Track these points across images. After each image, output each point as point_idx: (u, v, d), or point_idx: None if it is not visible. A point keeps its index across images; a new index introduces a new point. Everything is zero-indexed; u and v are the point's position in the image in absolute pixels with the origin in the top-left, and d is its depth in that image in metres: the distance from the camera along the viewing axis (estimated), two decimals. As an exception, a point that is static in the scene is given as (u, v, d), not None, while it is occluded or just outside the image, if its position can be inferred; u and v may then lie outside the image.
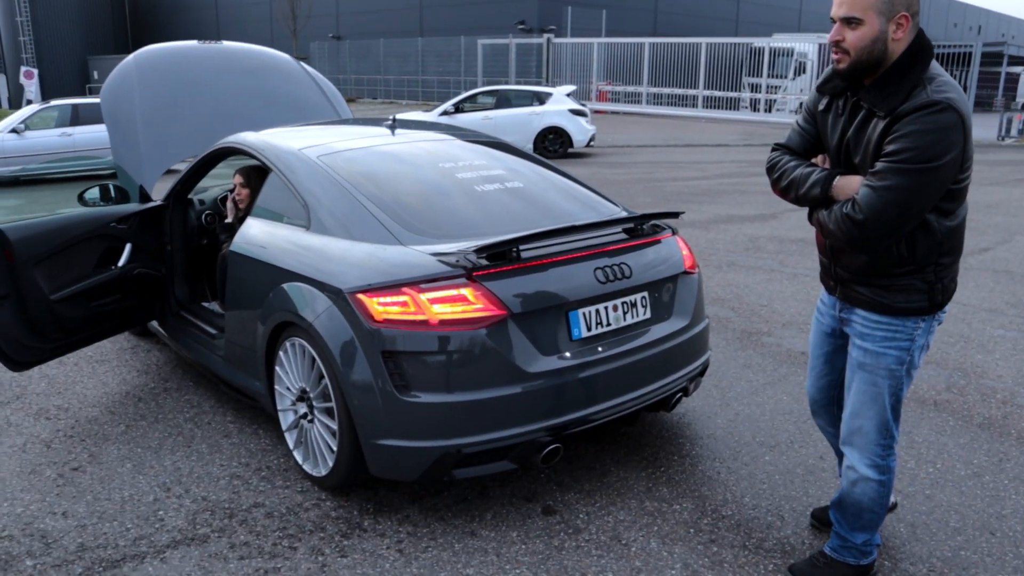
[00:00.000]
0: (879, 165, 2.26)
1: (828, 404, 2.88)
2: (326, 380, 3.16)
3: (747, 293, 6.49)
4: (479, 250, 2.97)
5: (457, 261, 2.99)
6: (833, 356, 2.77)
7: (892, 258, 2.37)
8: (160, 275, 4.66)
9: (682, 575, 2.79)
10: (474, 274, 2.96)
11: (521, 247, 3.05)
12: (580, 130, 16.54)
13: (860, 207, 2.27)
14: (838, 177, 2.40)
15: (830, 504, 2.78)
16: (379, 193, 3.44)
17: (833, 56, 2.38)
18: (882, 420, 2.53)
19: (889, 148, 2.23)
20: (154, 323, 4.88)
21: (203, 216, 4.99)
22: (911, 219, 2.28)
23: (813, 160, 2.59)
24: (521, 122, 16.02)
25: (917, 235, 2.33)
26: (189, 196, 4.93)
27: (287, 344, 3.40)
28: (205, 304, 4.77)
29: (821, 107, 2.53)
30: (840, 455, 2.81)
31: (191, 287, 4.88)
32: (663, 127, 24.43)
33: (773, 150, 2.68)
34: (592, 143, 17.19)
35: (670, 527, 3.09)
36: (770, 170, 2.62)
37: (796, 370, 4.77)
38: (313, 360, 3.24)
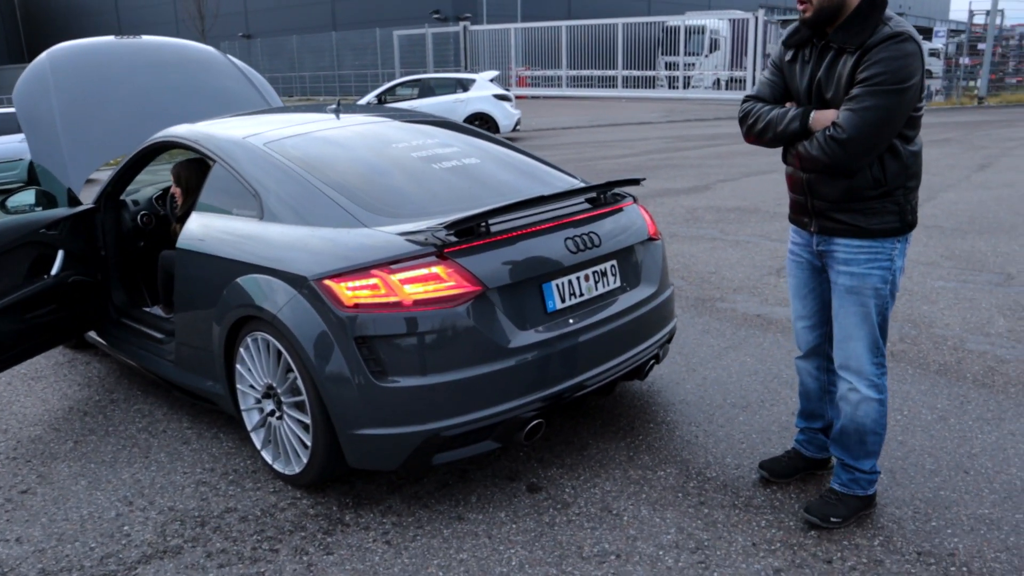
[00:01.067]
0: (855, 91, 2.48)
1: (820, 343, 2.96)
2: (295, 373, 3.02)
3: (694, 262, 6.54)
4: (448, 226, 2.88)
5: (426, 239, 2.90)
6: (816, 294, 2.90)
7: (867, 181, 2.58)
8: (95, 281, 4.42)
9: (678, 538, 2.77)
10: (445, 251, 2.87)
11: (490, 221, 2.97)
12: (506, 115, 16.48)
13: (843, 128, 2.49)
14: (814, 111, 2.61)
15: (830, 443, 2.92)
16: (334, 176, 3.31)
17: (799, 7, 2.60)
18: (873, 339, 2.69)
19: (863, 75, 2.47)
20: (92, 334, 4.63)
21: (139, 217, 4.75)
22: (886, 137, 2.50)
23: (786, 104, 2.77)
24: (446, 110, 15.87)
25: (887, 159, 2.56)
26: (122, 197, 4.69)
27: (248, 340, 3.25)
28: (147, 309, 4.54)
29: (787, 58, 2.75)
30: (807, 406, 3.07)
31: (129, 292, 4.65)
32: (585, 109, 24.56)
33: (744, 101, 2.83)
34: (518, 127, 17.15)
35: (658, 493, 3.06)
36: (744, 118, 2.79)
37: (754, 332, 4.81)
38: (279, 354, 3.10)
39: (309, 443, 3.05)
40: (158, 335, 4.12)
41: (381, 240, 2.93)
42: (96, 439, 3.84)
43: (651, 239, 3.59)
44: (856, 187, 2.59)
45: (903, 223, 2.64)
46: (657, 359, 3.59)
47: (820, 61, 2.61)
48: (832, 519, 2.78)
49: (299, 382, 3.01)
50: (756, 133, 2.72)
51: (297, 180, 3.28)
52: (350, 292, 2.83)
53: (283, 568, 2.73)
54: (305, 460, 3.10)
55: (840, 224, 2.66)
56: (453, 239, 2.90)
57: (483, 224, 2.94)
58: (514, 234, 3.02)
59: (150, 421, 4.00)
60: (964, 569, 2.55)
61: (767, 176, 10.40)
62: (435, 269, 2.84)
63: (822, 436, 3.07)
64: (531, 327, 3.00)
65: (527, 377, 2.93)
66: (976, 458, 3.24)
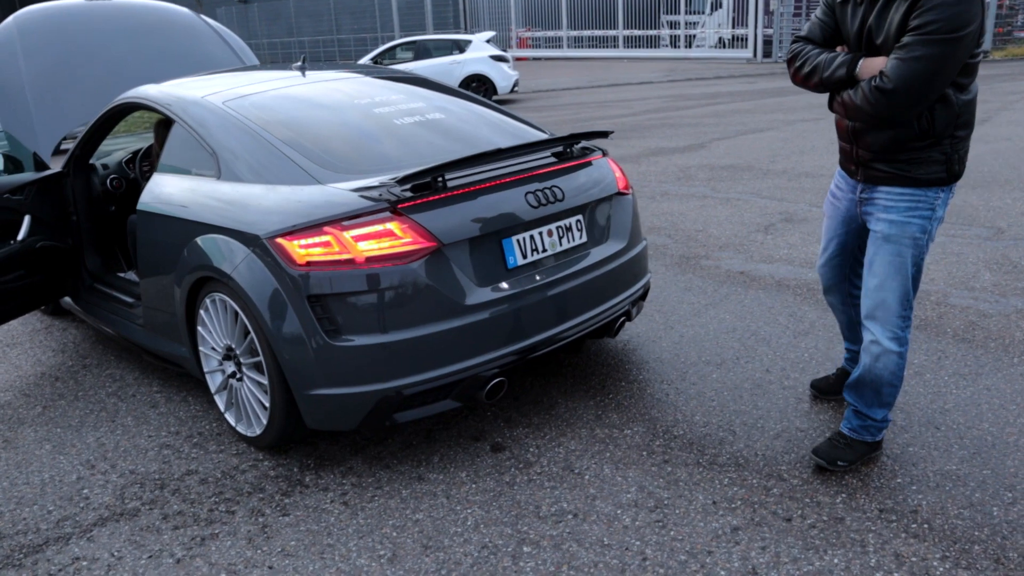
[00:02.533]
0: (906, 39, 2.37)
1: (842, 281, 3.05)
2: (252, 334, 2.97)
3: (682, 220, 6.45)
4: (401, 181, 2.80)
5: (380, 195, 2.82)
6: (847, 237, 2.93)
7: (913, 132, 2.51)
8: (67, 247, 4.36)
9: (637, 497, 2.72)
10: (399, 207, 2.80)
11: (446, 175, 2.89)
12: (503, 76, 16.27)
13: (889, 78, 2.40)
14: (862, 59, 2.53)
15: (845, 387, 2.89)
16: (292, 135, 3.23)
17: None
18: (904, 291, 2.67)
19: (915, 23, 2.35)
20: (68, 300, 4.59)
21: (108, 181, 4.68)
22: (936, 89, 2.40)
23: (836, 48, 2.70)
24: (442, 72, 15.67)
25: (936, 108, 2.46)
26: (91, 161, 4.61)
27: (207, 301, 3.19)
28: (121, 275, 4.49)
29: (839, 0, 2.68)
30: (847, 333, 3.15)
31: (103, 258, 4.59)
32: (586, 69, 24.25)
33: (794, 42, 2.78)
34: (516, 89, 16.94)
35: (622, 452, 3.01)
36: (792, 59, 2.73)
37: (737, 289, 4.74)
38: (236, 315, 3.04)
39: (268, 405, 3.01)
40: (129, 300, 4.07)
41: (334, 196, 2.85)
42: (65, 404, 3.81)
43: (621, 193, 3.51)
44: (902, 137, 2.53)
45: (949, 173, 2.57)
46: (628, 316, 3.52)
47: (872, 5, 2.51)
48: (839, 463, 2.80)
49: (256, 343, 2.96)
50: (803, 76, 2.66)
51: (254, 138, 3.20)
52: (302, 250, 2.76)
53: (237, 530, 2.70)
54: (265, 422, 3.06)
55: (885, 173, 2.61)
56: (408, 194, 2.82)
57: (439, 178, 2.86)
58: (471, 189, 2.94)
59: (120, 386, 3.97)
60: (925, 526, 2.50)
61: (764, 134, 10.24)
62: (389, 225, 2.77)
63: None
64: (491, 283, 2.94)
65: (486, 335, 2.87)
66: (948, 413, 3.18)
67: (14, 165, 4.57)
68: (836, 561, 2.36)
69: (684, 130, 11.28)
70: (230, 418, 3.30)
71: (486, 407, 3.42)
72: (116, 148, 5.17)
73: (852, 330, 3.17)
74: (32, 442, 3.46)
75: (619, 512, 2.64)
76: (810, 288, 4.67)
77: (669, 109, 14.08)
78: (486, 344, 2.87)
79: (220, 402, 3.35)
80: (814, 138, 9.83)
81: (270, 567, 2.49)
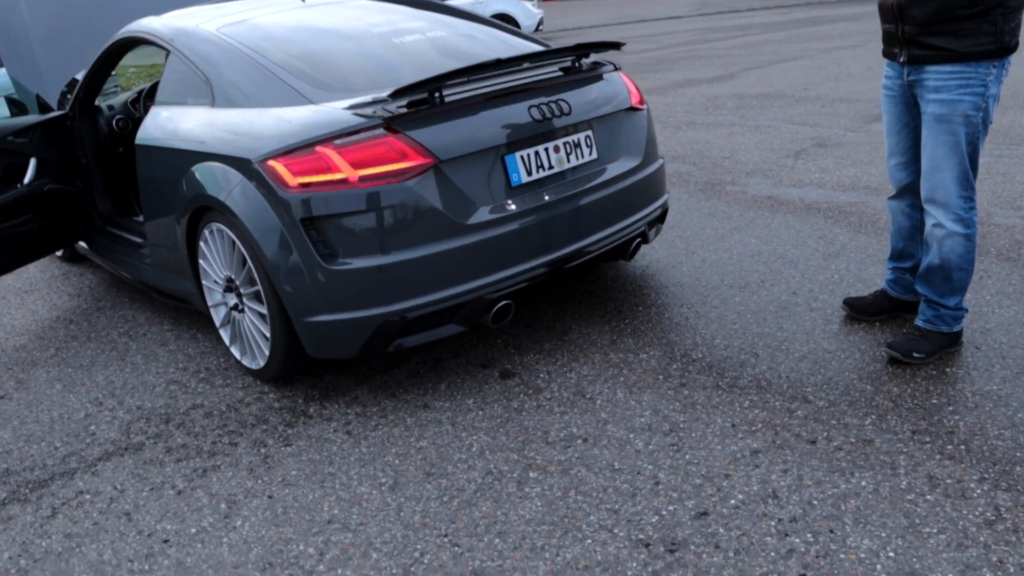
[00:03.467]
0: None
1: (912, 181, 2.89)
2: (249, 263, 2.87)
3: (708, 148, 6.21)
4: (395, 95, 2.64)
5: (373, 112, 2.67)
6: (909, 129, 2.82)
7: (960, 1, 2.44)
8: (76, 190, 4.29)
9: (651, 421, 2.59)
10: (393, 123, 2.65)
11: (443, 89, 2.72)
12: (527, 14, 15.88)
13: None
14: None
15: (916, 278, 2.86)
16: (286, 57, 3.08)
17: None
18: (962, 171, 2.60)
19: None
20: (83, 245, 4.53)
21: (115, 122, 4.58)
22: None
23: None
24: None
25: None
26: (96, 103, 4.51)
27: (206, 232, 3.09)
28: (135, 218, 4.42)
29: None
30: (903, 245, 3.01)
31: (114, 200, 4.52)
32: (613, 6, 23.62)
33: None
34: (540, 27, 16.53)
35: (637, 376, 2.88)
36: None
37: (763, 214, 4.53)
38: (233, 244, 2.94)
39: (269, 335, 2.91)
40: (138, 240, 4.00)
41: (326, 115, 2.71)
42: (77, 345, 3.77)
43: (634, 108, 3.31)
44: (948, 6, 2.46)
45: (999, 45, 2.48)
46: (644, 239, 3.36)
47: None
48: (915, 354, 2.76)
49: (253, 272, 2.86)
50: None
51: (246, 62, 3.06)
52: (294, 171, 2.63)
53: (239, 461, 2.63)
54: (267, 353, 2.97)
55: (931, 50, 2.54)
56: (402, 110, 2.67)
57: (435, 92, 2.70)
58: (471, 103, 2.77)
59: (132, 326, 3.92)
60: (963, 448, 2.34)
61: (797, 62, 9.85)
62: (384, 142, 2.63)
63: (910, 277, 3.05)
64: (494, 202, 2.79)
65: (490, 256, 2.73)
66: (990, 333, 2.99)
67: (19, 109, 4.49)
68: (864, 484, 2.22)
69: (713, 62, 10.90)
70: (235, 352, 3.22)
71: (495, 333, 3.30)
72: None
73: (910, 241, 3.01)
74: (43, 382, 3.42)
75: (631, 436, 2.52)
76: (842, 211, 4.45)
77: (698, 42, 13.64)
78: (490, 265, 2.74)
79: (225, 336, 3.27)
80: (850, 65, 9.42)
81: (270, 496, 2.41)
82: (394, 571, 2.04)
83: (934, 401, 2.58)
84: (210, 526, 2.32)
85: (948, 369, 2.76)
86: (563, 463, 2.41)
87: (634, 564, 1.97)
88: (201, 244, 3.15)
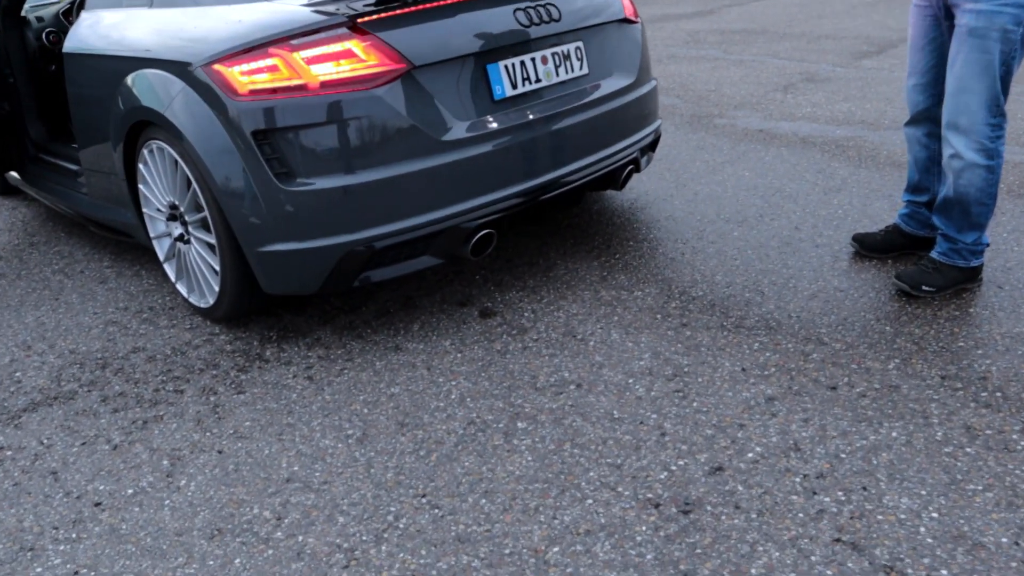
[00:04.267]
0: None
1: (931, 106, 2.64)
2: (194, 184, 2.51)
3: (692, 81, 5.88)
4: (361, -11, 2.28)
5: (337, 9, 2.31)
6: (935, 44, 2.57)
7: None
8: (3, 112, 3.85)
9: (652, 365, 2.31)
10: (359, 21, 2.28)
11: (417, -16, 2.36)
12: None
13: None
14: None
15: (934, 210, 2.63)
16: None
17: None
18: (992, 94, 2.35)
19: None
20: (14, 175, 4.10)
21: (44, 35, 4.11)
22: None
23: None
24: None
25: None
26: (23, 14, 4.03)
27: (145, 153, 2.72)
28: (72, 145, 3.99)
29: None
30: (920, 177, 2.77)
31: (48, 125, 4.08)
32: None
33: None
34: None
35: (632, 316, 2.59)
36: None
37: (755, 147, 4.24)
38: (176, 163, 2.57)
39: (219, 268, 2.57)
40: (75, 168, 3.59)
41: (281, 12, 2.34)
42: (5, 283, 3.38)
43: (628, 21, 2.97)
44: None
45: None
46: (636, 166, 3.05)
47: None
48: (925, 287, 2.57)
49: (199, 195, 2.50)
50: None
51: (188, -47, 2.65)
52: (244, 77, 2.27)
53: (185, 411, 2.31)
54: (217, 289, 2.63)
55: None
56: (370, 8, 2.30)
57: (408, -13, 2.33)
58: (448, 2, 2.41)
59: (68, 263, 3.53)
60: (998, 395, 2.10)
61: (777, 0, 9.51)
62: (348, 44, 2.27)
63: (926, 211, 2.81)
64: (474, 117, 2.45)
65: (468, 178, 2.40)
66: (1012, 272, 2.74)
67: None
68: (895, 435, 1.96)
69: (691, -4, 10.50)
70: (181, 289, 2.88)
71: (473, 269, 2.99)
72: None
73: (926, 173, 2.76)
74: (-36, 323, 3.04)
75: (630, 382, 2.24)
76: (839, 145, 4.17)
77: (674, -22, 13.17)
78: (468, 189, 2.41)
79: (170, 271, 2.92)
80: (834, 3, 9.10)
81: (219, 451, 2.10)
82: (364, 537, 1.75)
83: (961, 344, 2.34)
84: (149, 486, 2.00)
85: (972, 310, 2.51)
86: (555, 412, 2.13)
87: (643, 528, 1.70)
88: (140, 167, 2.78)
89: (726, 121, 4.78)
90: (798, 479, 1.82)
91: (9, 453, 2.21)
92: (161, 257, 2.93)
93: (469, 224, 2.44)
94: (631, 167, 3.00)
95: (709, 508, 1.75)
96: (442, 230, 2.39)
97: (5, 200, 4.57)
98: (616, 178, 2.97)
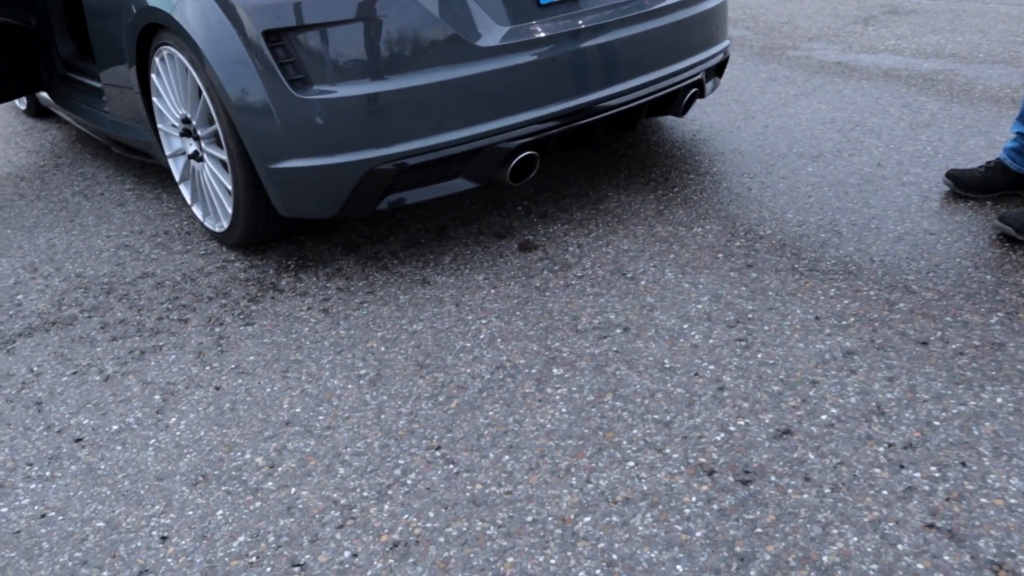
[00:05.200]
0: None
1: None
2: (204, 94, 2.26)
3: (763, 13, 5.42)
4: None
5: None
6: None
7: None
8: (29, 28, 3.63)
9: (711, 309, 2.01)
10: (385, -97, 1.98)
11: None
12: None
13: None
14: None
15: None
16: None
17: None
18: None
19: None
20: (47, 96, 3.91)
21: (73, -56, 3.87)
22: None
23: None
24: None
25: None
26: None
27: (156, 61, 2.47)
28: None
29: None
30: None
31: (78, 42, 3.86)
32: None
33: None
34: None
35: (690, 254, 2.29)
36: None
37: (832, 79, 3.83)
38: (186, 71, 2.32)
39: (231, 187, 2.33)
40: (98, 85, 3.37)
41: None
42: (24, 204, 3.21)
43: (699, -80, 2.60)
44: None
45: None
46: (700, 90, 2.71)
47: None
48: None
49: (209, 105, 2.25)
50: None
51: None
52: (254, -33, 1.99)
53: (187, 342, 2.09)
54: (231, 210, 2.39)
55: None
56: None
57: None
58: None
59: (90, 184, 3.34)
60: (1124, 352, 1.75)
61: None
62: (372, -71, 1.96)
63: None
64: (516, 22, 2.14)
65: (508, 90, 2.10)
66: None
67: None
68: (999, 400, 1.64)
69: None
70: (197, 212, 2.65)
71: (514, 199, 2.70)
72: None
73: None
74: (-24, 243, 2.88)
75: (685, 327, 1.94)
76: (927, 79, 3.74)
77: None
78: (507, 103, 2.11)
79: (185, 193, 2.70)
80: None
81: (217, 388, 1.88)
82: (365, 493, 1.51)
83: (1076, 297, 1.99)
84: (136, 423, 1.79)
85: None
86: (597, 358, 1.85)
87: (693, 499, 1.43)
88: (153, 77, 2.54)
89: (800, 53, 4.36)
90: (882, 449, 1.53)
91: (-2, 380, 2.03)
92: (177, 177, 2.70)
93: (508, 144, 2.14)
94: (694, 91, 2.66)
95: (773, 479, 1.47)
96: (478, 149, 2.11)
97: (38, 122, 4.42)
98: (677, 102, 2.64)
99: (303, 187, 2.12)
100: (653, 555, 1.31)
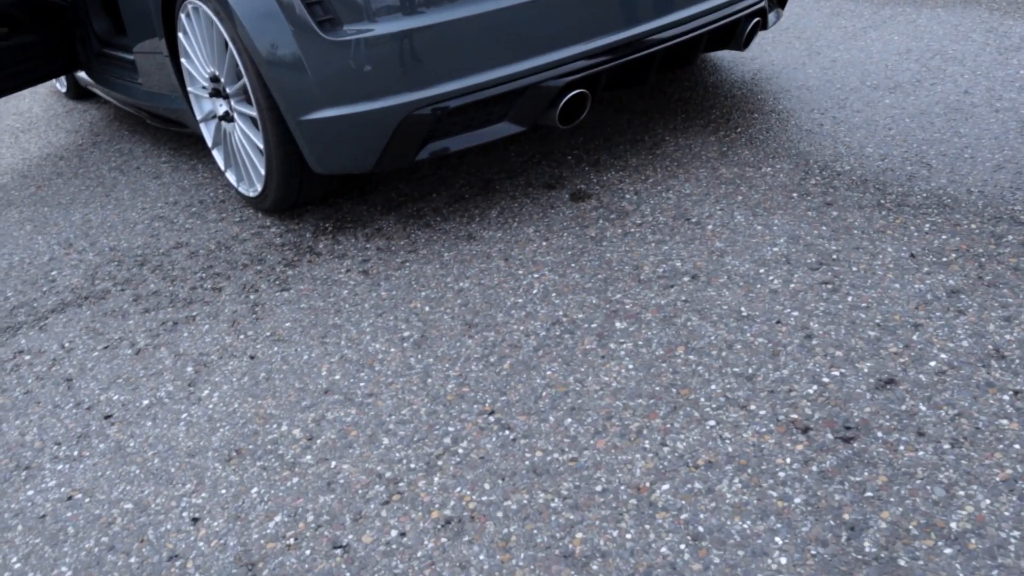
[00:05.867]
0: None
1: None
2: (230, 46, 2.11)
3: (821, -52, 5.08)
4: None
5: None
6: None
7: None
8: (65, 4, 3.54)
9: (789, 251, 1.80)
10: None
11: None
12: None
13: None
14: None
15: None
16: None
17: None
18: None
19: None
20: (85, 77, 3.84)
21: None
22: None
23: None
24: None
25: None
26: None
27: (182, 17, 2.33)
28: None
29: None
30: None
31: (114, 18, 3.76)
32: None
33: None
34: None
35: (761, 195, 2.07)
36: None
37: (904, 9, 3.53)
38: (211, 23, 2.17)
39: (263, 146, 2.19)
40: (131, 57, 3.27)
41: None
42: (61, 182, 3.13)
43: None
44: None
45: None
46: (763, 21, 2.47)
47: None
48: None
49: (236, 57, 2.10)
50: None
51: None
52: (271, -102, 1.82)
53: (220, 311, 1.96)
54: (264, 172, 2.25)
55: None
56: None
57: None
58: None
59: (127, 159, 3.25)
60: None
61: None
62: None
63: None
64: (560, -55, 1.93)
65: (554, 22, 1.91)
66: None
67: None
68: None
69: None
70: (231, 178, 2.52)
71: (563, 148, 2.51)
72: None
73: None
74: (13, 224, 2.80)
75: (762, 272, 1.74)
76: (1012, 2, 3.41)
77: None
78: (553, 36, 1.92)
79: (219, 158, 2.56)
80: None
81: (252, 357, 1.74)
82: (412, 465, 1.35)
83: None
84: (168, 396, 1.66)
85: None
86: (664, 309, 1.66)
87: (787, 460, 1.24)
88: (180, 37, 2.40)
89: (866, -16, 4.05)
90: (1006, 397, 1.31)
91: (27, 358, 1.92)
92: (209, 142, 2.57)
93: (555, 82, 1.95)
94: (756, 20, 2.43)
95: (880, 435, 1.27)
96: (523, 89, 1.92)
97: (78, 104, 4.35)
98: (738, 34, 2.40)
99: (336, 139, 1.96)
100: (746, 526, 1.13)
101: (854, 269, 1.70)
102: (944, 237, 1.78)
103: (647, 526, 1.16)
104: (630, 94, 2.90)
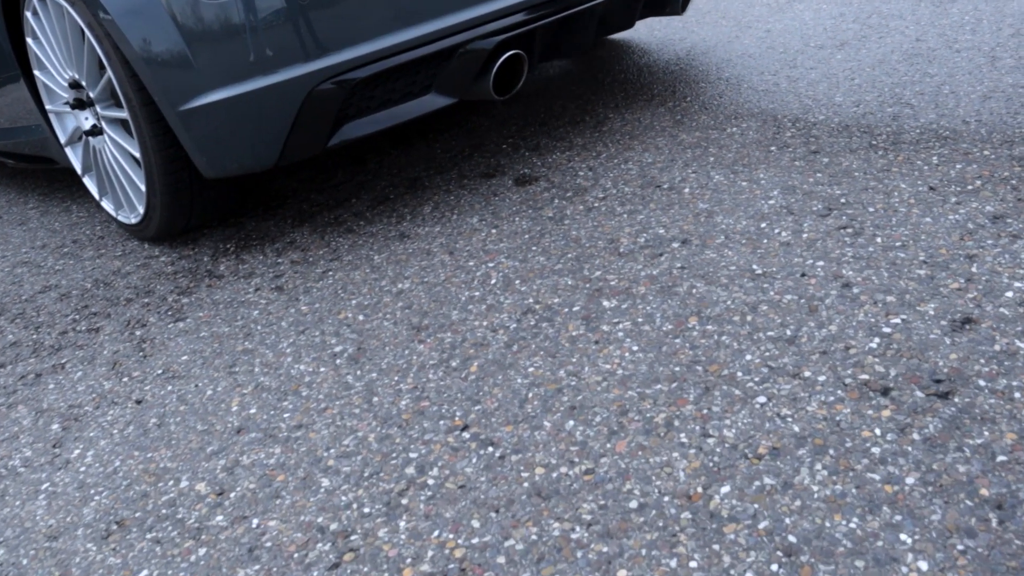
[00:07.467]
0: None
1: None
2: (87, 33, 1.73)
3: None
4: None
5: None
6: None
7: None
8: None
9: (789, 201, 1.52)
10: None
11: None
12: None
13: None
14: None
15: None
16: None
17: None
18: None
19: None
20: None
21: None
22: None
23: None
24: None
25: None
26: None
27: (28, 16, 1.94)
28: None
29: None
30: None
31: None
32: None
33: None
34: None
35: (734, 154, 1.79)
36: None
37: (825, -20, 3.38)
38: (62, 10, 1.79)
39: (139, 155, 1.80)
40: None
41: None
42: (-94, 244, 2.63)
43: None
44: None
45: None
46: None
47: None
48: None
49: (95, 44, 1.72)
50: None
51: None
52: None
53: (98, 353, 1.55)
54: (143, 189, 1.86)
55: None
56: None
57: None
58: None
59: (-13, 212, 2.78)
60: None
61: None
62: None
63: None
64: None
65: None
66: None
67: None
68: None
69: None
70: (108, 207, 2.11)
71: (496, 137, 2.19)
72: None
73: None
74: None
75: (764, 227, 1.44)
76: (928, -36, 3.30)
77: None
78: (481, -21, 1.61)
79: (92, 187, 2.15)
80: None
81: (138, 401, 1.34)
82: (366, 510, 0.98)
83: None
84: (24, 465, 1.25)
85: None
86: (658, 279, 1.34)
87: (876, 431, 0.92)
88: (30, 43, 2.00)
89: (777, -33, 3.92)
90: (1117, 322, 1.03)
91: None
92: (79, 168, 2.16)
93: (485, 43, 1.63)
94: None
95: (983, 383, 0.96)
96: (447, 51, 1.60)
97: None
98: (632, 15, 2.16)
99: (229, 129, 1.60)
100: (853, 525, 0.80)
101: (871, 210, 1.42)
102: (960, 167, 1.52)
103: (715, 546, 0.81)
104: (560, 80, 2.62)
